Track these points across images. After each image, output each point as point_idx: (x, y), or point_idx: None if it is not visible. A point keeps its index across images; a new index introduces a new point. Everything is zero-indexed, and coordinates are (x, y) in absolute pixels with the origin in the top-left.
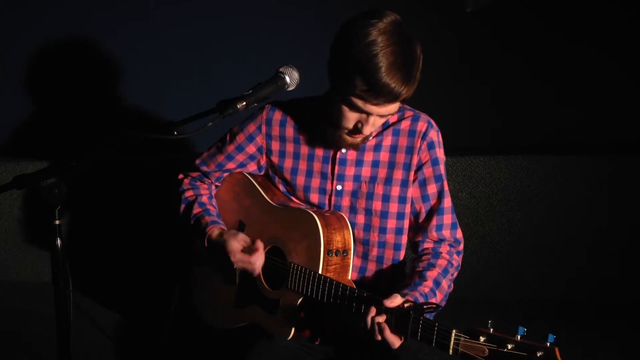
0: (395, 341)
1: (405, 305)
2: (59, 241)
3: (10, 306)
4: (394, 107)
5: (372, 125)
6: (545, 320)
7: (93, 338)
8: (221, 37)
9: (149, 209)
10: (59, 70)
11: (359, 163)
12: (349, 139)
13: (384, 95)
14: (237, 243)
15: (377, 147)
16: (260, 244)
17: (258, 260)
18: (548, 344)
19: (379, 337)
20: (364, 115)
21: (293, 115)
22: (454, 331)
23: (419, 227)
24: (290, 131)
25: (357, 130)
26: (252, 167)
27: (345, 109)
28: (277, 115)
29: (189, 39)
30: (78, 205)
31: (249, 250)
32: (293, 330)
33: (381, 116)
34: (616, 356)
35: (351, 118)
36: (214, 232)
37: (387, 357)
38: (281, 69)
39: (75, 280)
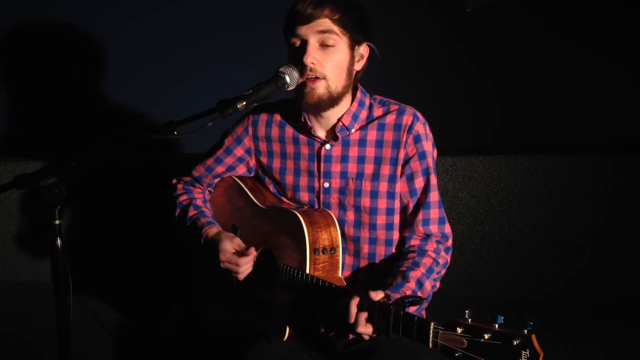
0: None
1: (387, 300)
2: (59, 241)
3: (10, 306)
4: (319, 25)
5: (313, 54)
6: (545, 320)
7: (93, 338)
8: (221, 37)
9: (149, 209)
10: (59, 70)
11: (344, 159)
12: (307, 86)
13: (300, 14)
14: (230, 245)
15: (362, 142)
16: (253, 251)
17: (246, 265)
18: (525, 332)
19: (361, 329)
20: (303, 45)
21: (278, 116)
22: (432, 324)
23: (407, 222)
24: (275, 131)
25: (301, 62)
26: (241, 170)
27: (291, 44)
28: (263, 117)
29: (189, 38)
30: (78, 205)
31: (240, 254)
32: (287, 330)
33: (319, 44)
34: (616, 356)
35: (297, 53)
36: (211, 231)
37: (386, 357)
38: (281, 69)
39: (75, 280)
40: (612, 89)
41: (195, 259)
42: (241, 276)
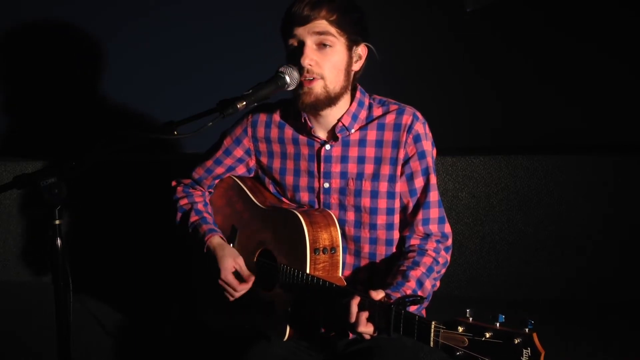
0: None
1: (388, 300)
2: (59, 241)
3: (10, 306)
4: (316, 27)
5: (311, 55)
6: (545, 320)
7: (93, 338)
8: (221, 37)
9: (149, 209)
10: (59, 70)
11: (344, 159)
12: (305, 87)
13: (297, 15)
14: (232, 264)
15: (362, 142)
16: (252, 279)
17: (242, 292)
18: (526, 330)
19: (362, 329)
20: (300, 46)
21: (277, 116)
22: (433, 323)
23: (406, 222)
24: (275, 132)
25: (299, 63)
26: (241, 170)
27: (288, 46)
28: (262, 117)
29: (189, 38)
30: (78, 205)
31: (240, 277)
32: (288, 330)
33: (316, 45)
34: (616, 356)
35: (294, 55)
36: (213, 241)
37: (387, 357)
38: (281, 69)
39: (75, 280)
40: (612, 89)
41: (194, 261)
42: (232, 299)
